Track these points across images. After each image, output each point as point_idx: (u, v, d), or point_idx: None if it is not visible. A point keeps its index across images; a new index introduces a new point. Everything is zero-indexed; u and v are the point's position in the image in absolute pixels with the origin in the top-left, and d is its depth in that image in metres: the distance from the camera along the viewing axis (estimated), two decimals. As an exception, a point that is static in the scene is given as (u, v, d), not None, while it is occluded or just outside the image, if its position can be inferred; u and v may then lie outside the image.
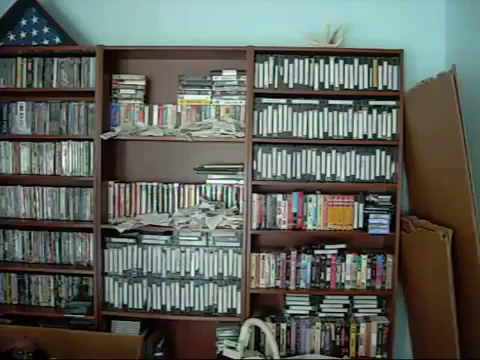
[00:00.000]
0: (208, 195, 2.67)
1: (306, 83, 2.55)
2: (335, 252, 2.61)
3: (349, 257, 2.59)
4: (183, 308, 2.64)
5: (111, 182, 2.68)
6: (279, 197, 2.59)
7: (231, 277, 2.63)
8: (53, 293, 2.71)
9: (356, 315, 2.64)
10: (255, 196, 2.58)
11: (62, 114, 2.67)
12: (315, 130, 2.56)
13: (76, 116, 2.66)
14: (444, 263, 2.00)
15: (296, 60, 2.55)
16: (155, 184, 2.67)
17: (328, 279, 2.60)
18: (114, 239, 2.65)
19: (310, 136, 2.56)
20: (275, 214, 2.60)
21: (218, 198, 2.66)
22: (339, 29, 2.57)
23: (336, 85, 2.54)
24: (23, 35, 2.61)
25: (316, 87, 2.55)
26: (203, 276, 2.63)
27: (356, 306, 2.65)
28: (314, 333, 2.60)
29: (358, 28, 2.66)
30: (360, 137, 2.56)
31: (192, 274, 2.63)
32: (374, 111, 2.55)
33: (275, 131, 2.57)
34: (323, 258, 2.60)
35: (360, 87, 2.54)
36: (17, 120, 2.70)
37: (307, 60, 2.54)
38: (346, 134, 2.56)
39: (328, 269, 2.60)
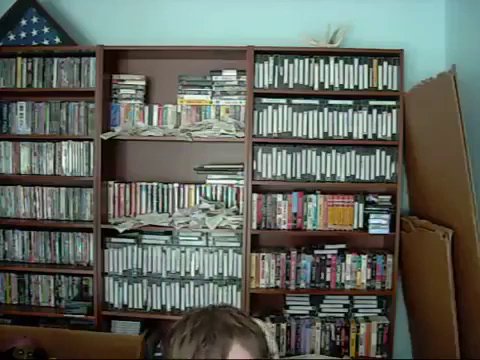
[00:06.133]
0: (208, 195, 2.67)
1: (306, 83, 2.55)
2: (335, 252, 2.60)
3: (349, 257, 2.59)
4: (183, 308, 2.64)
5: (111, 182, 2.68)
6: (279, 197, 2.59)
7: (231, 277, 2.62)
8: (53, 293, 2.71)
9: (356, 315, 2.64)
10: (255, 196, 2.58)
11: (62, 114, 2.67)
12: (315, 130, 2.56)
13: (76, 116, 2.66)
14: (444, 263, 2.00)
15: (296, 60, 2.54)
16: (155, 184, 2.67)
17: (328, 279, 2.60)
18: (114, 239, 2.65)
19: (310, 136, 2.56)
20: (275, 214, 2.60)
21: (218, 198, 2.66)
22: (339, 29, 2.57)
23: (336, 85, 2.54)
24: (23, 35, 2.60)
25: (316, 87, 2.55)
26: (203, 276, 2.63)
27: (356, 306, 2.64)
28: (314, 333, 2.60)
29: (358, 28, 2.66)
30: (360, 137, 2.55)
31: (192, 274, 2.63)
32: (374, 111, 2.55)
33: (275, 131, 2.57)
34: (323, 258, 2.60)
35: (360, 87, 2.54)
36: (17, 120, 2.70)
37: (307, 60, 2.54)
38: (346, 134, 2.55)
39: (328, 269, 2.60)
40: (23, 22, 2.61)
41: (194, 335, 1.01)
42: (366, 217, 2.56)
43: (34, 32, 2.61)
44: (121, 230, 2.54)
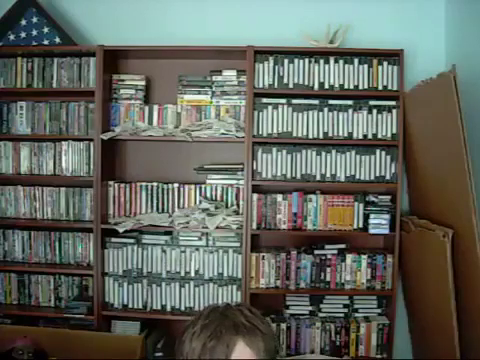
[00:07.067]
0: (208, 195, 2.67)
1: (306, 83, 2.55)
2: (335, 252, 2.61)
3: (349, 257, 2.59)
4: (183, 308, 2.64)
5: (111, 182, 2.68)
6: (279, 197, 2.59)
7: (231, 277, 2.62)
8: (53, 293, 2.71)
9: (356, 315, 2.64)
10: (255, 196, 2.58)
11: (62, 114, 2.67)
12: (315, 130, 2.56)
13: (76, 116, 2.66)
14: (444, 263, 2.00)
15: (296, 60, 2.54)
16: (155, 184, 2.67)
17: (328, 279, 2.60)
18: (114, 239, 2.65)
19: (310, 136, 2.56)
20: (275, 214, 2.60)
21: (218, 198, 2.66)
22: (339, 29, 2.57)
23: (336, 85, 2.54)
24: (23, 35, 2.60)
25: (316, 87, 2.55)
26: (203, 276, 2.63)
27: (356, 306, 2.64)
28: (314, 333, 2.60)
29: (358, 28, 2.66)
30: (360, 137, 2.55)
31: (192, 274, 2.63)
32: (374, 111, 2.55)
33: (275, 131, 2.57)
34: (323, 258, 2.60)
35: (360, 87, 2.54)
36: (17, 120, 2.70)
37: (307, 60, 2.54)
38: (346, 134, 2.55)
39: (328, 269, 2.60)
40: (23, 22, 2.61)
41: (203, 331, 1.04)
42: (366, 217, 2.56)
43: (34, 32, 2.60)
44: (121, 230, 2.54)
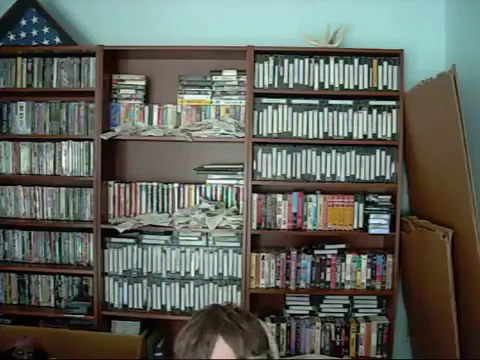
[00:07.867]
0: (208, 195, 2.67)
1: (306, 83, 2.55)
2: (335, 252, 2.61)
3: (349, 257, 2.59)
4: (183, 308, 2.64)
5: (111, 182, 2.68)
6: (279, 197, 2.59)
7: (231, 277, 2.62)
8: (53, 293, 2.71)
9: (356, 315, 2.64)
10: (255, 196, 2.58)
11: (62, 114, 2.67)
12: (315, 130, 2.56)
13: (76, 116, 2.66)
14: (444, 263, 2.00)
15: (296, 60, 2.54)
16: (155, 184, 2.67)
17: (328, 279, 2.60)
18: (114, 239, 2.65)
19: (310, 136, 2.56)
20: (275, 214, 2.60)
21: (218, 198, 2.66)
22: (339, 29, 2.57)
23: (336, 85, 2.54)
24: (23, 35, 2.60)
25: (316, 87, 2.55)
26: (203, 276, 2.63)
27: (356, 306, 2.65)
28: (314, 333, 2.60)
29: (358, 28, 2.66)
30: (360, 137, 2.56)
31: (192, 274, 2.63)
32: (374, 111, 2.55)
33: (275, 131, 2.57)
34: (323, 258, 2.60)
35: (360, 87, 2.54)
36: (17, 120, 2.70)
37: (307, 60, 2.54)
38: (346, 134, 2.55)
39: (328, 269, 2.60)
40: (23, 22, 2.61)
41: (188, 330, 1.08)
42: (366, 217, 2.56)
43: (34, 32, 2.61)
44: (121, 230, 2.54)
